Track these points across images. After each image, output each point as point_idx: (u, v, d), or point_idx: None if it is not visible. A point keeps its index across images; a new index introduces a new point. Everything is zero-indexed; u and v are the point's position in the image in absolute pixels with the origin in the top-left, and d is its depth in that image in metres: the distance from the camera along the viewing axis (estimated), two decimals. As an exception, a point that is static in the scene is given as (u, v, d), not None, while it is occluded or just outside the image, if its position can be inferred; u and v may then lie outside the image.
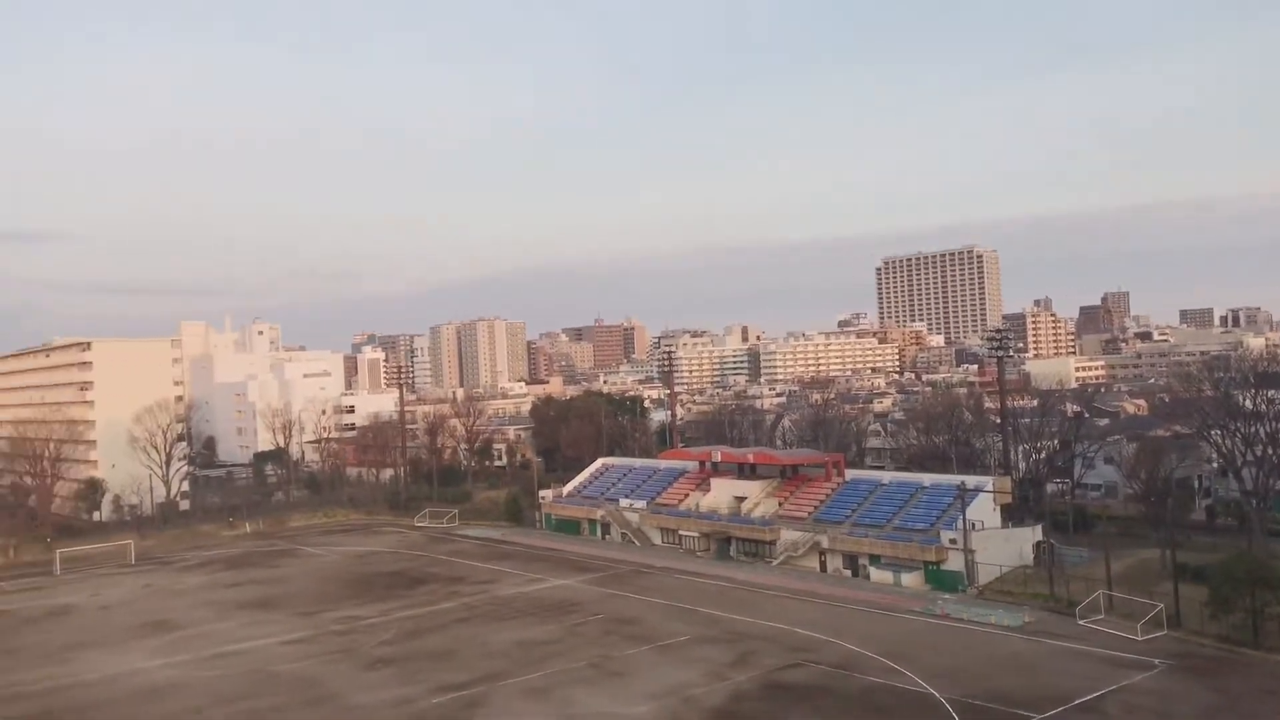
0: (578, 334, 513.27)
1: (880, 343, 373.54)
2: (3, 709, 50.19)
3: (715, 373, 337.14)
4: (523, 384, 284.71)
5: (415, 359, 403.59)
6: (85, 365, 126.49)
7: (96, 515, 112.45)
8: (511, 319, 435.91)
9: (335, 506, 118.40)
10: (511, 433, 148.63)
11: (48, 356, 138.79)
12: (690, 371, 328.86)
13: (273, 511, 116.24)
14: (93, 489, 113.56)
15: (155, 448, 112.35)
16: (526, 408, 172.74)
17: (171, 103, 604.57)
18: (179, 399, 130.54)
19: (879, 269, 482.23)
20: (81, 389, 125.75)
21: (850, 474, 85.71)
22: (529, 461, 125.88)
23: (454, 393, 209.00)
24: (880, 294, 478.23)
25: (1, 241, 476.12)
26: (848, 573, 73.78)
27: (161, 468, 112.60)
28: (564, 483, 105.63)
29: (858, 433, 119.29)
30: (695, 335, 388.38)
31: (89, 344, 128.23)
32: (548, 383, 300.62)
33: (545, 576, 76.71)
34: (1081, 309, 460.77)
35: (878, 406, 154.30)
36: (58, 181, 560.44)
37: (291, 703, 48.61)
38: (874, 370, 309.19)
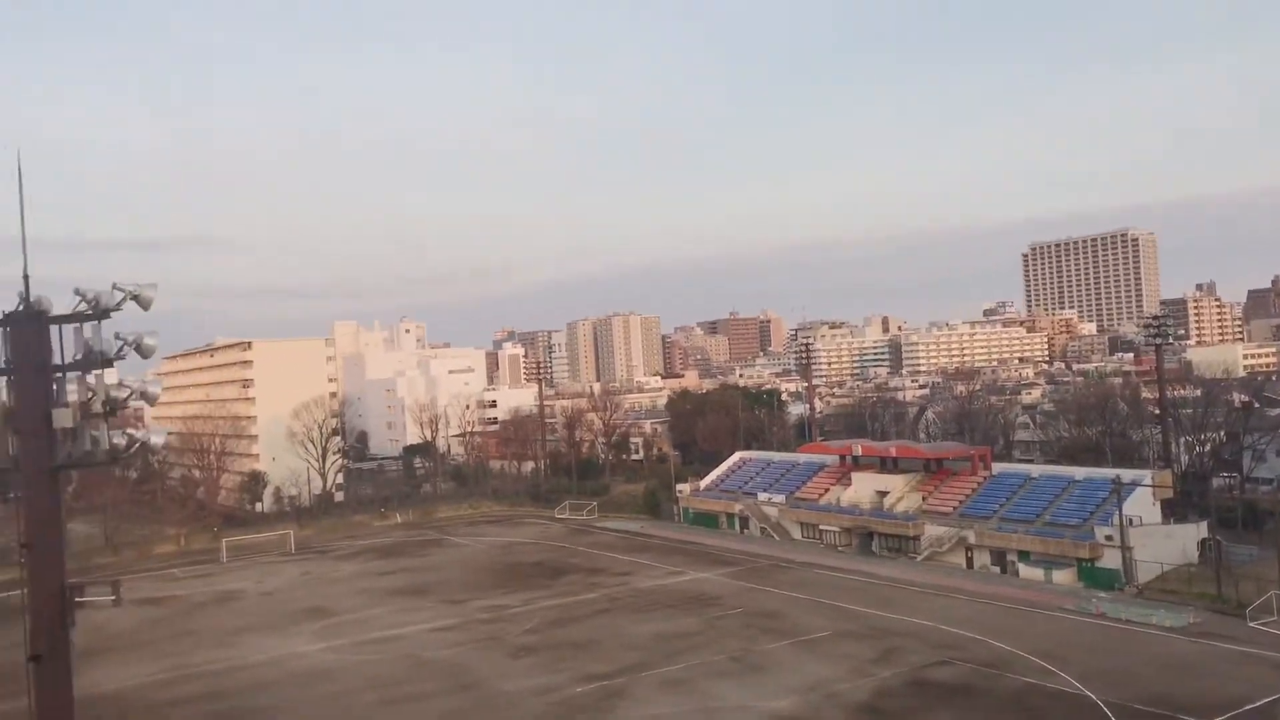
0: (712, 327, 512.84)
1: (1028, 331, 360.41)
2: (181, 687, 53.45)
3: (854, 364, 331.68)
4: (658, 378, 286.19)
5: (553, 354, 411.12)
6: (246, 364, 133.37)
7: (259, 506, 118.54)
8: (646, 314, 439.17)
9: (480, 498, 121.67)
10: (648, 426, 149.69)
11: (212, 356, 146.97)
12: (829, 364, 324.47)
13: (421, 503, 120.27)
14: (255, 481, 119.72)
15: (312, 442, 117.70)
16: (662, 401, 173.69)
17: (332, 111, 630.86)
18: (333, 395, 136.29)
19: (1025, 255, 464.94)
20: (244, 386, 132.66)
21: (997, 467, 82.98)
22: (666, 455, 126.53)
23: (591, 387, 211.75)
24: (1027, 281, 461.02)
25: (171, 248, 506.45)
26: (995, 569, 71.46)
27: (318, 461, 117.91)
28: (701, 476, 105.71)
29: (1005, 425, 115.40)
30: (833, 327, 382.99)
31: (249, 344, 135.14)
32: (683, 376, 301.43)
33: (684, 569, 76.94)
34: (1250, 293, 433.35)
35: (1026, 398, 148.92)
36: (222, 190, 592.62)
37: (441, 689, 50.17)
38: (1021, 360, 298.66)
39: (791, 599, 65.11)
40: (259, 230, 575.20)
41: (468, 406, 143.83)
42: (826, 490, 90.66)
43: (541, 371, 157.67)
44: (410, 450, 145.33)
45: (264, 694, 51.19)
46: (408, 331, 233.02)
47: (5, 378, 17.30)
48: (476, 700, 47.90)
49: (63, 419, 17.26)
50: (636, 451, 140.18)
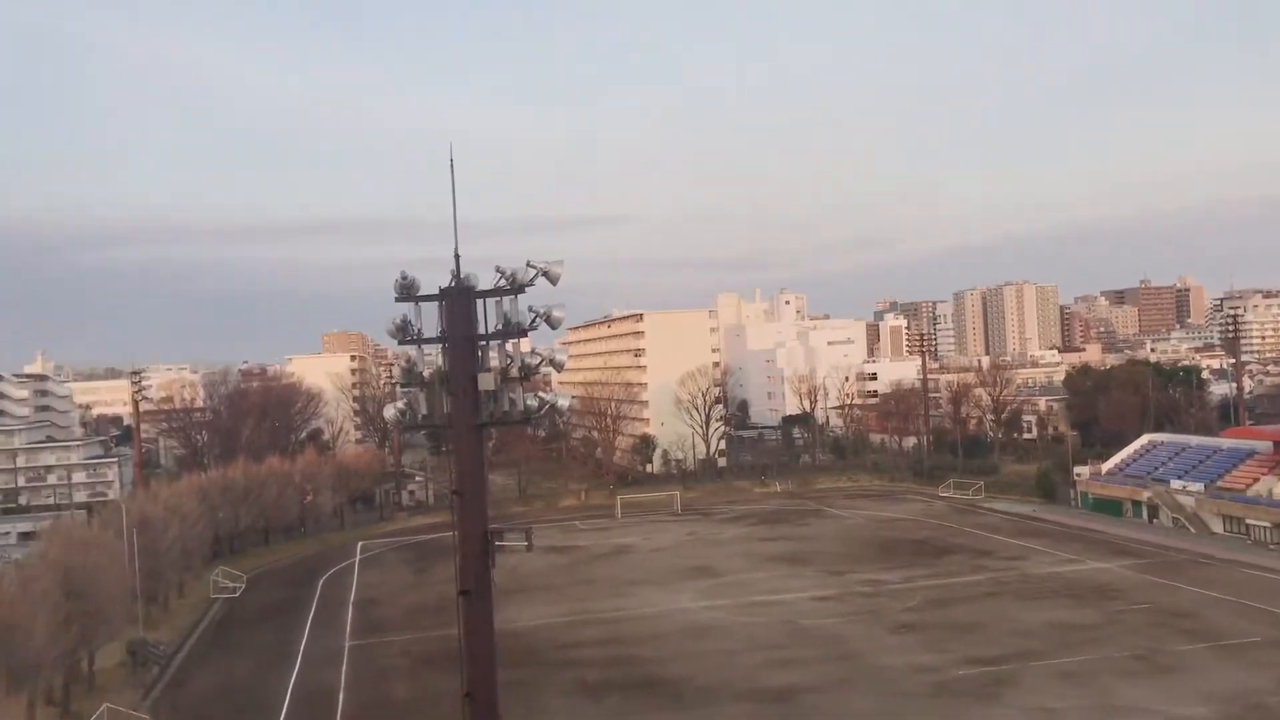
0: (1119, 297, 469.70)
1: None
2: (581, 630, 58.29)
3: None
4: (1055, 352, 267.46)
5: (938, 326, 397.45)
6: (638, 334, 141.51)
7: (649, 467, 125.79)
8: (1042, 282, 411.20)
9: (859, 471, 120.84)
10: (1042, 403, 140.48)
11: (609, 327, 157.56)
12: (1261, 338, 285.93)
13: (800, 473, 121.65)
14: (645, 444, 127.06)
15: (696, 409, 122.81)
16: (1059, 377, 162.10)
17: (734, 95, 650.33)
18: (716, 365, 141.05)
19: None
20: (636, 355, 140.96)
21: None
22: (1062, 435, 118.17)
23: (979, 360, 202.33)
24: None
25: (575, 227, 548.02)
26: None
27: (702, 427, 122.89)
28: (1102, 459, 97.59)
29: None
30: (1268, 295, 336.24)
31: (641, 315, 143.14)
32: (1083, 350, 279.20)
33: (1081, 558, 71.64)
34: None
35: None
36: (616, 171, 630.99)
37: (818, 656, 50.59)
38: None
39: (1209, 598, 58.44)
40: (648, 207, 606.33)
41: (847, 378, 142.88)
42: (1256, 480, 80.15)
43: (925, 343, 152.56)
44: (789, 420, 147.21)
45: (654, 644, 54.42)
46: (787, 303, 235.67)
47: (440, 345, 19.60)
48: (855, 671, 47.79)
49: (486, 382, 19.27)
50: (1029, 430, 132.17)
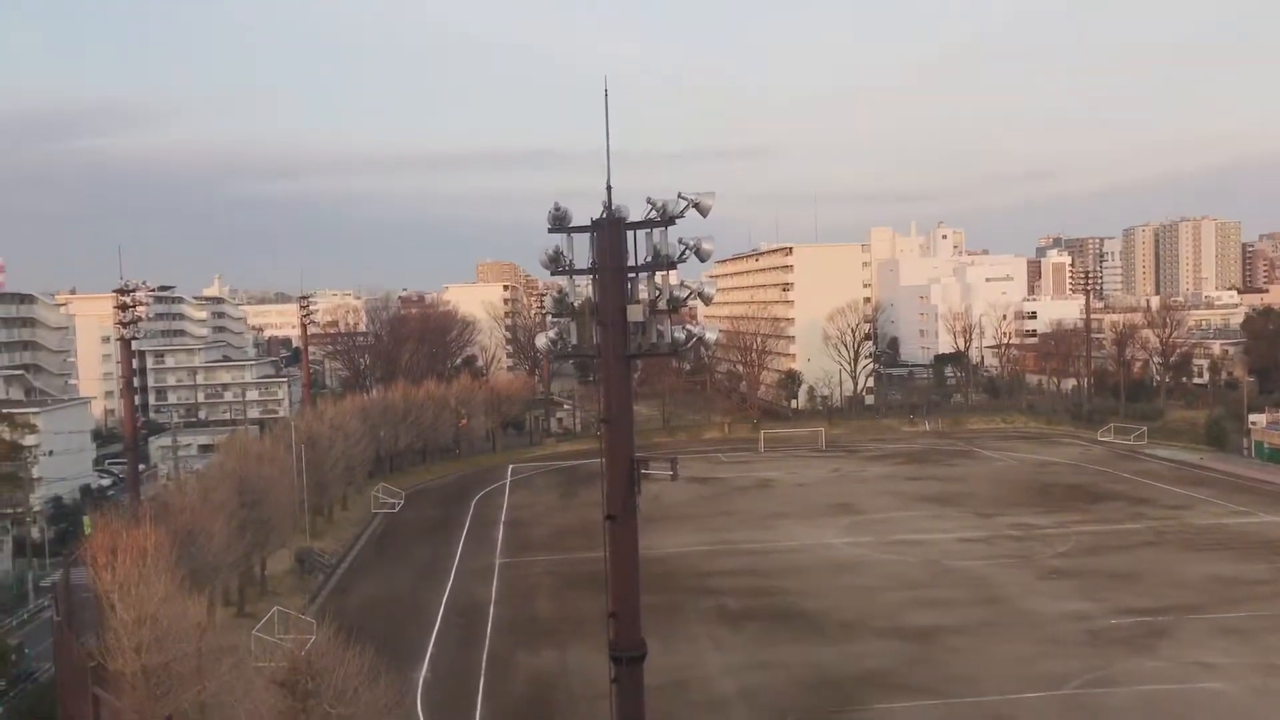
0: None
1: None
2: (721, 560, 59.05)
3: None
4: (1234, 293, 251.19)
5: (1104, 263, 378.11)
6: (787, 268, 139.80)
7: (794, 403, 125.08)
8: (1224, 218, 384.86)
9: (1013, 412, 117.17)
10: (1216, 347, 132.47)
11: (756, 260, 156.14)
12: None
13: (951, 412, 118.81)
14: (791, 379, 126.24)
15: (845, 345, 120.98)
16: (1236, 320, 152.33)
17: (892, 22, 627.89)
18: (867, 300, 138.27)
19: None
20: (784, 290, 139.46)
21: None
22: (1237, 381, 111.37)
23: (1147, 301, 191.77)
24: None
25: (726, 158, 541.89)
26: None
27: (850, 364, 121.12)
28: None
29: None
30: None
31: (790, 249, 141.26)
32: (1267, 291, 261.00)
33: (1252, 510, 67.92)
34: None
35: None
36: (763, 104, 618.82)
37: (964, 598, 49.84)
38: None
39: (1395, 560, 54.65)
40: (800, 137, 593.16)
41: (1004, 317, 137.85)
42: None
43: (1090, 282, 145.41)
44: (941, 359, 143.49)
45: (795, 577, 54.66)
46: (944, 238, 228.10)
47: (591, 276, 19.91)
48: (1002, 615, 46.93)
49: (635, 314, 19.53)
50: (1199, 375, 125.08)
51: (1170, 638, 42.83)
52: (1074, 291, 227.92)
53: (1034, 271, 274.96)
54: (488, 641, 46.13)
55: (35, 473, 67.50)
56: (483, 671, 42.23)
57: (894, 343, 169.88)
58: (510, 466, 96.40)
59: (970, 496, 75.11)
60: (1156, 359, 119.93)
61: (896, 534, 63.70)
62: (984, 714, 35.62)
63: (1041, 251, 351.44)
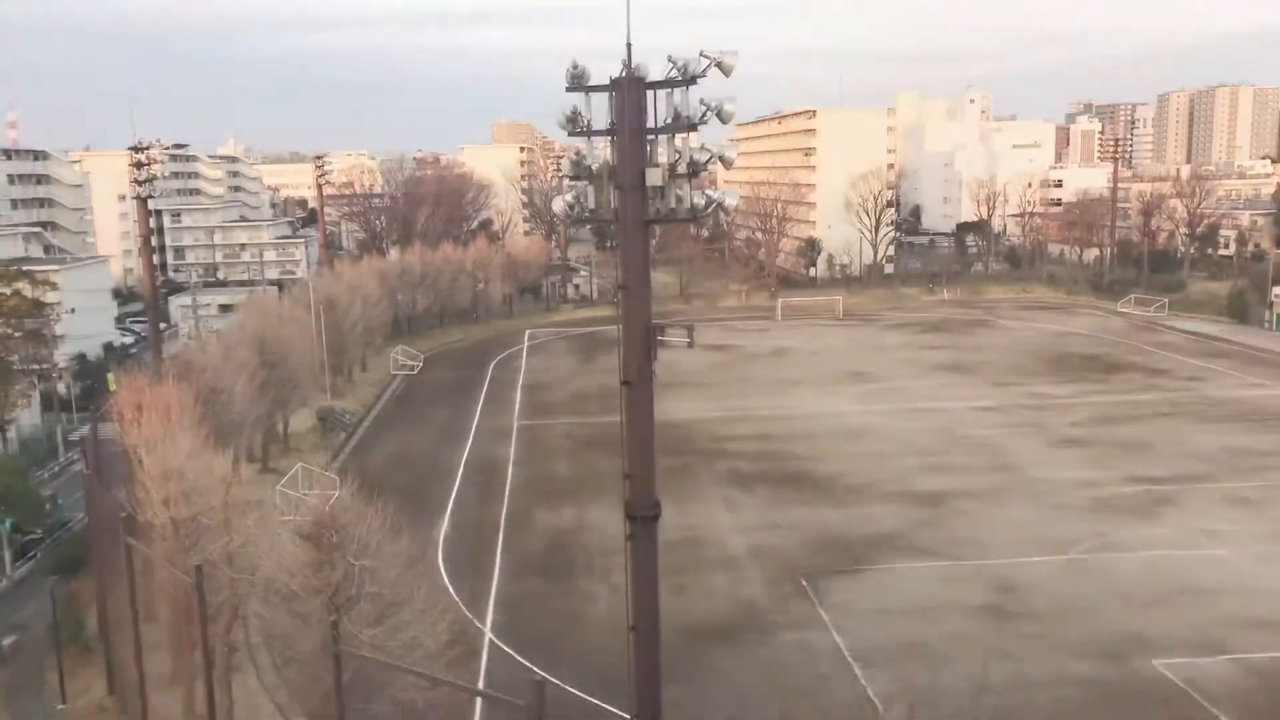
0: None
1: None
2: (735, 426, 59.76)
3: None
4: (1267, 162, 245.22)
5: (1135, 131, 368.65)
6: (810, 132, 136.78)
7: (812, 271, 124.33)
8: (1264, 85, 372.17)
9: (1033, 282, 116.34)
10: (1245, 218, 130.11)
11: (779, 124, 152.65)
12: None
13: (971, 282, 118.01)
14: (810, 247, 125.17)
15: (866, 213, 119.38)
16: (1269, 190, 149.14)
17: None
18: (890, 167, 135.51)
19: None
20: (806, 154, 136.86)
21: None
22: (1263, 252, 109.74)
23: (1178, 170, 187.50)
24: None
25: (753, 14, 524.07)
26: None
27: (871, 232, 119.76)
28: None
29: None
30: None
31: (815, 112, 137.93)
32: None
33: (1267, 382, 67.90)
34: None
35: None
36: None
37: (975, 465, 50.51)
38: None
39: None
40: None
41: (1030, 185, 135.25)
42: None
43: (1119, 150, 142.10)
44: (964, 227, 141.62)
45: (807, 442, 55.39)
46: (972, 102, 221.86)
47: (609, 138, 19.46)
48: (1014, 481, 47.62)
49: (654, 178, 19.15)
50: (1226, 246, 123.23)
51: (1177, 506, 43.48)
52: (1103, 159, 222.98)
53: (1063, 139, 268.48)
54: (506, 499, 47.26)
55: (58, 330, 68.25)
56: (501, 528, 43.39)
57: (916, 210, 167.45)
58: (527, 332, 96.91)
59: (987, 366, 75.25)
60: (1183, 230, 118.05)
61: (911, 402, 64.13)
62: (988, 577, 36.51)
63: (1071, 118, 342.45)
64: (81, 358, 74.32)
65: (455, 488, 49.37)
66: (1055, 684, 28.87)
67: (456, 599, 34.56)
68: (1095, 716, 27.37)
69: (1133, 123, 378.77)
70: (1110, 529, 40.94)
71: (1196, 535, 40.09)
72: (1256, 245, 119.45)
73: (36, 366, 63.27)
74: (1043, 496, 45.30)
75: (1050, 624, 32.66)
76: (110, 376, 49.46)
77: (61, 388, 66.36)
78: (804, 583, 36.28)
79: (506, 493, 48.25)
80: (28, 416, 60.93)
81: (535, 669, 28.79)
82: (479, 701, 25.18)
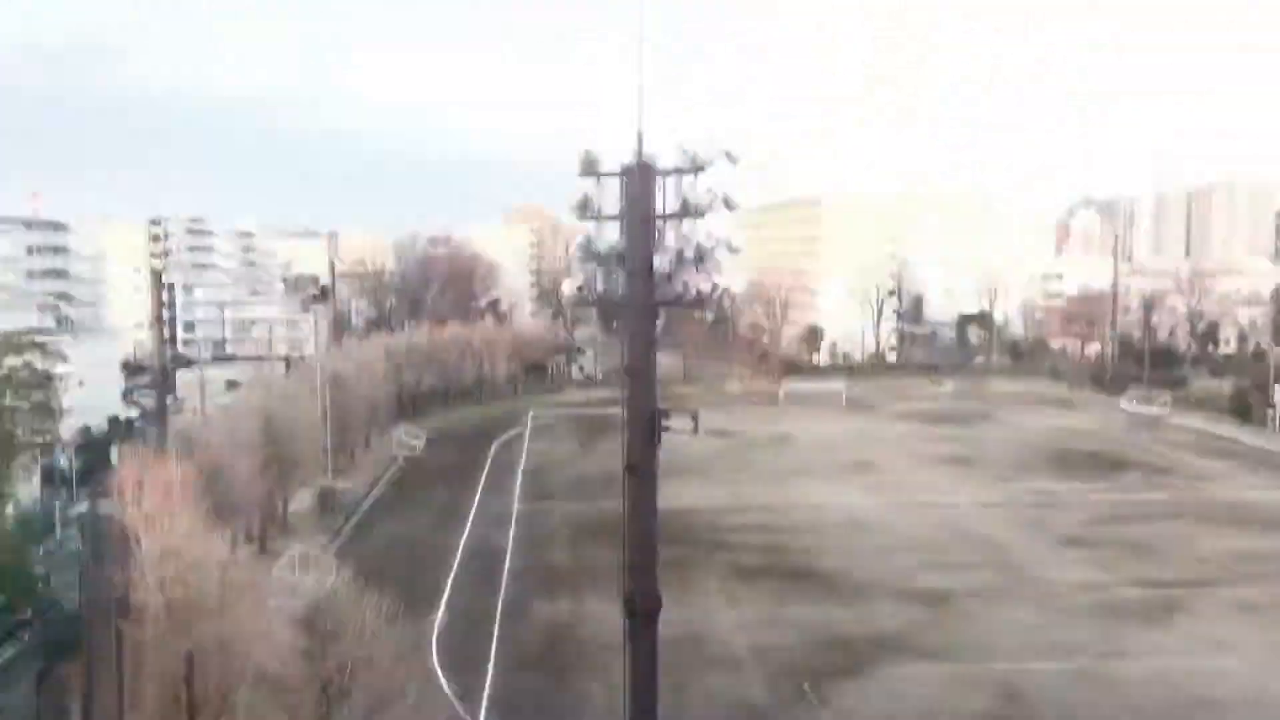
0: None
1: None
2: (737, 516, 59.15)
3: None
4: (1267, 260, 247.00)
5: (1133, 226, 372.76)
6: (814, 221, 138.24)
7: (815, 358, 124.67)
8: (1253, 180, 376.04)
9: (1035, 376, 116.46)
10: (1245, 315, 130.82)
11: (784, 211, 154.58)
12: None
13: (973, 374, 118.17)
14: (813, 334, 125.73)
15: (869, 302, 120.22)
16: (1268, 288, 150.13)
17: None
18: (893, 257, 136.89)
19: None
20: (808, 243, 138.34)
21: None
22: (1263, 352, 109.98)
23: (1177, 266, 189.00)
24: None
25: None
26: None
27: (873, 320, 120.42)
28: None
29: None
30: None
31: (819, 201, 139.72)
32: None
33: (1273, 485, 67.37)
34: None
35: None
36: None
37: (976, 562, 49.78)
38: None
39: None
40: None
41: (1030, 278, 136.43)
42: None
43: (1118, 245, 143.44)
44: (965, 319, 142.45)
45: (811, 535, 54.74)
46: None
47: (619, 223, 19.64)
48: (1017, 581, 46.85)
49: (661, 263, 19.28)
50: (1227, 344, 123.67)
51: (1185, 612, 42.55)
52: (1102, 253, 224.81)
53: (1063, 233, 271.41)
54: (503, 588, 46.54)
55: (65, 403, 68.11)
56: (498, 618, 42.65)
57: (918, 301, 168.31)
58: (531, 412, 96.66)
59: (988, 460, 74.81)
60: (1184, 326, 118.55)
61: (914, 495, 63.59)
62: (994, 682, 35.69)
63: (1071, 212, 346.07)
64: (85, 431, 74.03)
65: (452, 574, 48.68)
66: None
67: (449, 694, 33.85)
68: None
69: (1131, 217, 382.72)
70: (1116, 634, 40.14)
71: (1207, 644, 39.24)
72: (1258, 344, 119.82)
73: (40, 440, 62.93)
74: (1047, 599, 44.45)
75: (1058, 730, 31.83)
76: (114, 451, 49.22)
77: (63, 461, 65.96)
78: (806, 686, 35.44)
79: (504, 581, 47.55)
80: (27, 491, 60.40)
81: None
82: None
